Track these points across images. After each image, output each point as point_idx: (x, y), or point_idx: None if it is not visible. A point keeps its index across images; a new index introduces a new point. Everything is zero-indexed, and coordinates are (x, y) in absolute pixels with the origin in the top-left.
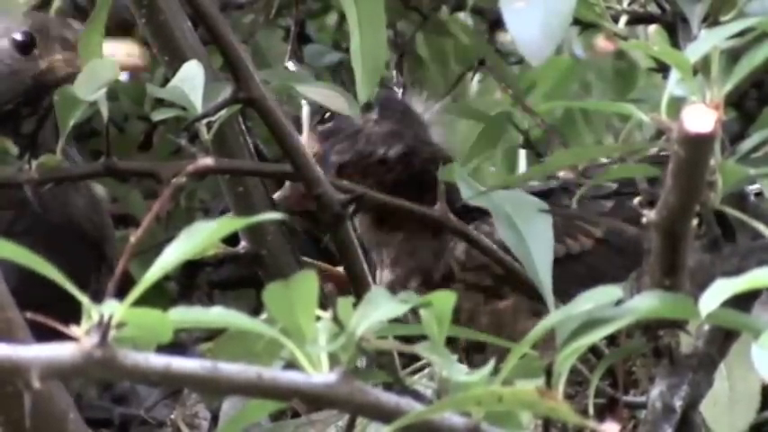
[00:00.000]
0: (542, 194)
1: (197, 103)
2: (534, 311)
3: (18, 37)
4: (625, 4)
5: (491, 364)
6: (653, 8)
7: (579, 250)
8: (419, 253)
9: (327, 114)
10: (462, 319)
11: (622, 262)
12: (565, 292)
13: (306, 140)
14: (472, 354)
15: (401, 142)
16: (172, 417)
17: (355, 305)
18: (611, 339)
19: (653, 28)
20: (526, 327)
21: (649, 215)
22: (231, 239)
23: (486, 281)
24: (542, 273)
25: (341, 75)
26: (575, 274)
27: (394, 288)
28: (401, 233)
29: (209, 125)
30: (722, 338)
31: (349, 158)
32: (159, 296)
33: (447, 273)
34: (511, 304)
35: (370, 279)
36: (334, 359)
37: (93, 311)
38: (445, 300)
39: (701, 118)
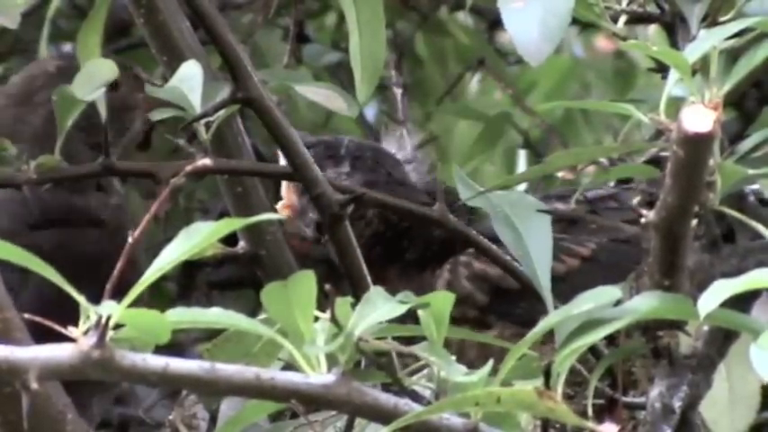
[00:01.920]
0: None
1: (195, 103)
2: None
3: None
4: (624, 4)
5: (489, 364)
6: (652, 8)
7: (564, 272)
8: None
9: None
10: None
11: (612, 279)
12: None
13: (284, 193)
14: None
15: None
16: (170, 417)
17: (354, 305)
18: (611, 340)
19: (652, 28)
20: None
21: (648, 215)
22: (230, 240)
23: (470, 313)
24: (541, 272)
25: (340, 75)
26: (561, 296)
27: None
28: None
29: (207, 125)
30: (721, 339)
31: None
32: (158, 296)
33: None
34: (496, 335)
35: (369, 280)
36: (332, 360)
37: (91, 312)
38: (443, 300)
39: (700, 118)
